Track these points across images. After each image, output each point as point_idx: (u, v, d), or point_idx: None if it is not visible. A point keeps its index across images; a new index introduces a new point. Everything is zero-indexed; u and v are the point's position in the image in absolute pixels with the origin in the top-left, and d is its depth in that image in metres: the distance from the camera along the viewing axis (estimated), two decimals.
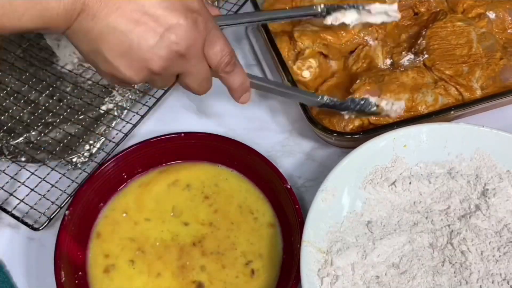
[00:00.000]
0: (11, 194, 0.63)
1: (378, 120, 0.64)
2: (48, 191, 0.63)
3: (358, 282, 0.52)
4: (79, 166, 0.66)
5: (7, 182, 0.64)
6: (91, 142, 0.67)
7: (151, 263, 0.58)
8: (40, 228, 0.60)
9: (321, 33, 0.70)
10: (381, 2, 0.68)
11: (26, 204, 0.62)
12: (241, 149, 0.63)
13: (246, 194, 0.63)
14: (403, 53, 0.69)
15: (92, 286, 0.57)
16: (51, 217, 0.61)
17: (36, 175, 0.64)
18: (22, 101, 0.72)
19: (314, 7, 0.64)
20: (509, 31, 0.71)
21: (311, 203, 0.54)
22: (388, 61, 0.70)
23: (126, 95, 0.72)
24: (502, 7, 0.71)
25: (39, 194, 0.62)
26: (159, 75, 0.46)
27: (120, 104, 0.71)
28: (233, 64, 0.50)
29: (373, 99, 0.62)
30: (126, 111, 0.70)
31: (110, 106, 0.71)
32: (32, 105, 0.71)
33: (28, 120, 0.70)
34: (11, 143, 0.68)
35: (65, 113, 0.70)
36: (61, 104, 0.71)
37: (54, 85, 0.73)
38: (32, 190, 0.63)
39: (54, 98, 0.72)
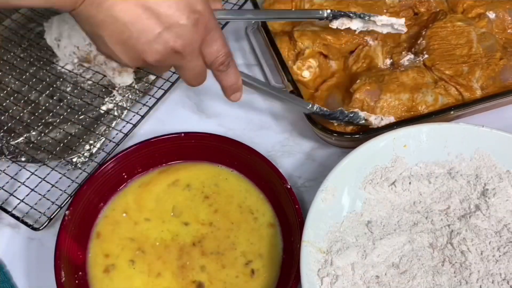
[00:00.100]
0: (11, 194, 0.63)
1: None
2: (48, 191, 0.63)
3: (358, 282, 0.52)
4: (79, 166, 0.66)
5: (7, 182, 0.64)
6: (91, 142, 0.67)
7: (151, 263, 0.58)
8: (40, 228, 0.60)
9: (321, 33, 0.70)
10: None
11: (26, 204, 0.62)
12: (241, 149, 0.63)
13: (246, 194, 0.63)
14: (403, 53, 0.69)
15: (92, 286, 0.57)
16: (51, 217, 0.61)
17: (36, 175, 0.64)
18: (22, 101, 0.72)
19: (320, 11, 0.64)
20: (509, 31, 0.71)
21: (311, 203, 0.54)
22: (388, 61, 0.70)
23: (126, 95, 0.72)
24: (502, 7, 0.71)
25: (39, 194, 0.62)
26: (153, 66, 0.48)
27: (120, 104, 0.71)
28: (227, 65, 0.52)
29: (362, 113, 0.62)
30: (126, 111, 0.70)
31: (110, 106, 0.71)
32: (32, 105, 0.71)
33: (28, 120, 0.70)
34: (11, 143, 0.68)
35: (65, 113, 0.70)
36: (61, 104, 0.71)
37: (54, 85, 0.73)
38: (32, 190, 0.63)
39: (54, 98, 0.72)
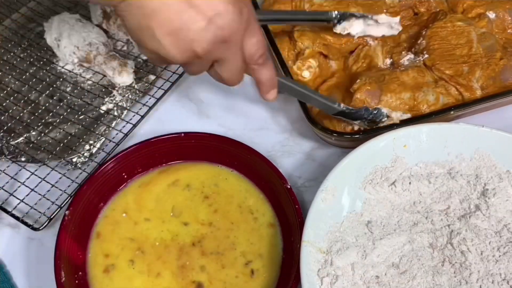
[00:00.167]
0: (11, 194, 0.63)
1: None
2: (48, 191, 0.63)
3: (358, 282, 0.52)
4: (79, 166, 0.66)
5: (7, 182, 0.64)
6: (91, 142, 0.68)
7: (151, 263, 0.58)
8: (40, 228, 0.60)
9: (321, 33, 0.70)
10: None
11: (26, 204, 0.62)
12: (241, 149, 0.63)
13: (246, 194, 0.63)
14: (403, 52, 0.69)
15: (92, 286, 0.57)
16: (51, 217, 0.61)
17: (36, 175, 0.64)
18: (22, 101, 0.72)
19: (329, 13, 0.64)
20: (509, 31, 0.71)
21: (311, 203, 0.54)
22: (388, 61, 0.70)
23: (126, 95, 0.72)
24: (502, 7, 0.71)
25: (39, 194, 0.62)
26: (200, 58, 0.47)
27: (120, 104, 0.71)
28: (266, 57, 0.51)
29: (384, 110, 0.62)
30: (126, 111, 0.70)
31: (110, 106, 0.71)
32: (32, 105, 0.71)
33: (28, 120, 0.70)
34: (11, 143, 0.68)
35: (65, 113, 0.70)
36: (61, 104, 0.72)
37: (54, 85, 0.73)
38: (32, 190, 0.63)
39: (54, 98, 0.72)
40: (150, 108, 0.70)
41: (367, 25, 0.67)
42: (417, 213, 0.57)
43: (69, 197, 0.62)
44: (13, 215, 0.61)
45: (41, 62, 0.76)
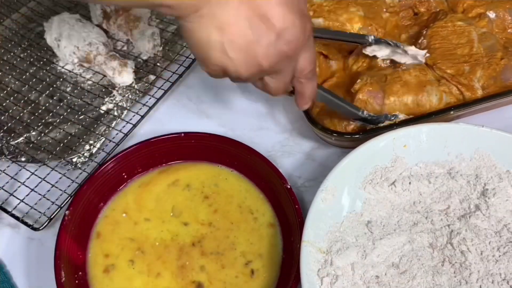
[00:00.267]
0: (11, 194, 0.63)
1: None
2: (48, 191, 0.63)
3: (358, 282, 0.52)
4: (79, 166, 0.66)
5: (7, 182, 0.64)
6: (91, 142, 0.68)
7: (151, 263, 0.58)
8: (40, 228, 0.60)
9: None
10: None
11: (26, 204, 0.62)
12: (241, 149, 0.63)
13: (246, 194, 0.63)
14: None
15: (92, 286, 0.57)
16: (51, 217, 0.61)
17: (36, 175, 0.64)
18: (22, 101, 0.72)
19: (366, 36, 0.65)
20: (509, 30, 0.71)
21: (311, 203, 0.54)
22: (388, 60, 0.70)
23: (126, 95, 0.72)
24: (502, 7, 0.71)
25: (39, 194, 0.63)
26: (265, 72, 0.47)
27: (120, 104, 0.71)
28: (314, 72, 0.52)
29: (401, 115, 0.62)
30: (126, 111, 0.71)
31: (110, 106, 0.71)
32: (32, 105, 0.71)
33: (28, 120, 0.70)
34: (11, 143, 0.68)
35: (65, 113, 0.71)
36: (61, 104, 0.72)
37: (54, 85, 0.73)
38: (32, 190, 0.63)
39: (54, 98, 0.72)
40: (150, 108, 0.70)
41: (395, 52, 0.67)
42: (417, 213, 0.57)
43: (69, 197, 0.62)
44: (13, 215, 0.61)
45: (41, 62, 0.76)
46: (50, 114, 0.70)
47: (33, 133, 0.69)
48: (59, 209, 0.61)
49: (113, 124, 0.69)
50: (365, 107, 0.63)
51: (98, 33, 0.74)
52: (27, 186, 0.63)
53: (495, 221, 0.55)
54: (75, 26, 0.72)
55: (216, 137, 0.64)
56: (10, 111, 0.71)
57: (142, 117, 0.69)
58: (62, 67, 0.75)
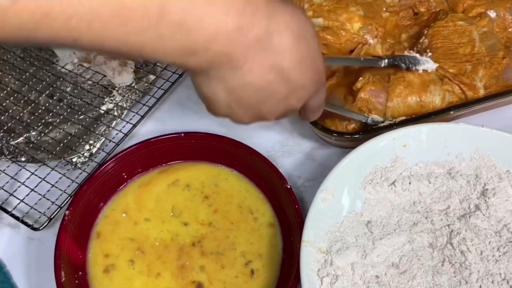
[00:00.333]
0: (11, 194, 0.63)
1: None
2: (48, 191, 0.63)
3: (358, 282, 0.52)
4: (79, 166, 0.66)
5: (7, 182, 0.64)
6: (91, 142, 0.68)
7: (151, 263, 0.58)
8: (40, 228, 0.60)
9: (320, 33, 0.70)
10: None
11: (26, 204, 0.62)
12: (241, 149, 0.63)
13: (246, 194, 0.63)
14: (405, 52, 0.69)
15: (92, 286, 0.57)
16: (51, 217, 0.61)
17: (36, 175, 0.64)
18: (22, 101, 0.72)
19: (379, 61, 0.65)
20: (510, 30, 0.71)
21: (311, 203, 0.54)
22: None
23: (126, 95, 0.72)
24: (502, 6, 0.71)
25: (39, 194, 0.63)
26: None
27: (120, 104, 0.71)
28: (321, 107, 0.52)
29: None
30: (126, 111, 0.71)
31: (110, 106, 0.71)
32: (32, 105, 0.71)
33: (28, 120, 0.70)
34: (11, 143, 0.68)
35: (65, 113, 0.71)
36: (61, 104, 0.72)
37: (54, 85, 0.73)
38: (32, 190, 0.63)
39: (54, 98, 0.72)
40: (150, 108, 0.70)
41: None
42: (417, 213, 0.57)
43: (69, 197, 0.62)
44: (13, 215, 0.61)
45: (41, 62, 0.76)
46: (50, 114, 0.70)
47: (33, 133, 0.69)
48: (59, 209, 0.61)
49: (113, 124, 0.69)
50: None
51: None
52: (27, 186, 0.63)
53: (495, 221, 0.55)
54: None
55: (216, 137, 0.64)
56: (10, 111, 0.71)
57: (142, 117, 0.69)
58: (62, 67, 0.75)
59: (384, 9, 0.73)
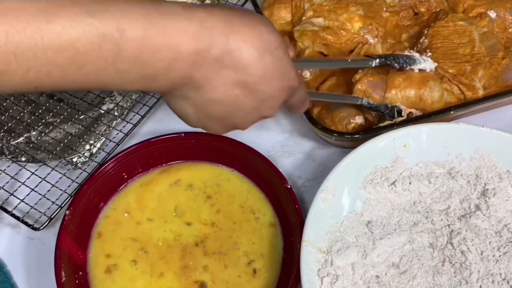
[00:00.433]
0: (11, 194, 0.63)
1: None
2: (49, 191, 0.63)
3: (358, 282, 0.52)
4: (80, 166, 0.66)
5: (8, 182, 0.64)
6: (91, 142, 0.68)
7: (154, 263, 0.58)
8: (41, 228, 0.60)
9: (321, 33, 0.70)
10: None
11: (27, 204, 0.62)
12: (242, 149, 0.63)
13: (247, 194, 0.63)
14: (406, 51, 0.69)
15: (93, 286, 0.57)
16: (52, 217, 0.61)
17: (36, 175, 0.64)
18: (22, 101, 0.72)
19: (369, 62, 0.64)
20: (510, 30, 0.71)
21: (311, 203, 0.54)
22: None
23: (127, 95, 0.72)
24: (502, 6, 0.71)
25: (40, 194, 0.63)
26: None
27: (120, 104, 0.71)
28: (303, 102, 0.53)
29: (402, 106, 0.62)
30: (126, 111, 0.70)
31: (111, 106, 0.71)
32: (32, 105, 0.71)
33: (29, 120, 0.70)
34: (12, 143, 0.68)
35: (65, 113, 0.70)
36: (61, 104, 0.72)
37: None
38: (33, 190, 0.63)
39: (54, 98, 0.72)
40: (151, 108, 0.70)
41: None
42: (417, 213, 0.57)
43: (69, 197, 0.62)
44: (13, 215, 0.61)
45: None
46: (51, 114, 0.70)
47: (33, 133, 0.69)
48: (60, 209, 0.61)
49: (113, 124, 0.69)
50: (363, 96, 0.63)
51: None
52: (27, 186, 0.63)
53: (495, 221, 0.55)
54: None
55: (216, 137, 0.64)
56: (11, 111, 0.71)
57: (143, 117, 0.69)
58: None
59: (384, 9, 0.73)
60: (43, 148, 0.67)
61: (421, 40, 0.68)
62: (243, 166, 0.64)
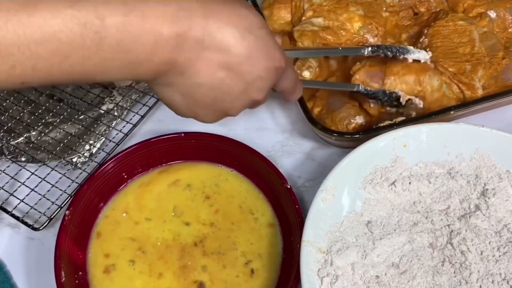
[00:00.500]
0: (11, 194, 0.63)
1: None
2: (48, 191, 0.63)
3: (358, 282, 0.52)
4: (79, 166, 0.66)
5: (7, 182, 0.64)
6: (91, 142, 0.68)
7: (152, 263, 0.58)
8: (40, 228, 0.60)
9: (320, 33, 0.70)
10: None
11: (26, 204, 0.62)
12: (241, 149, 0.63)
13: (246, 194, 0.63)
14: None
15: (92, 286, 0.57)
16: (51, 217, 0.61)
17: (36, 175, 0.64)
18: (22, 101, 0.72)
19: (361, 50, 0.63)
20: (510, 30, 0.71)
21: (311, 203, 0.54)
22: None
23: (127, 95, 0.72)
24: (502, 6, 0.71)
25: (39, 194, 0.63)
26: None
27: (120, 104, 0.71)
28: (294, 87, 0.52)
29: (400, 93, 0.62)
30: (126, 111, 0.70)
31: (110, 106, 0.71)
32: (32, 105, 0.71)
33: (28, 120, 0.70)
34: (11, 143, 0.68)
35: (65, 113, 0.70)
36: (61, 104, 0.72)
37: (54, 85, 0.73)
38: (32, 190, 0.63)
39: (54, 98, 0.72)
40: (150, 108, 0.70)
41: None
42: (417, 213, 0.57)
43: (69, 197, 0.62)
44: (13, 215, 0.61)
45: None
46: (50, 114, 0.70)
47: (33, 133, 0.69)
48: (59, 209, 0.61)
49: (113, 124, 0.69)
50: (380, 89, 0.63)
51: None
52: (27, 186, 0.63)
53: (495, 221, 0.55)
54: None
55: (216, 137, 0.64)
56: (10, 111, 0.71)
57: (142, 117, 0.69)
58: None
59: (384, 9, 0.73)
60: (43, 148, 0.67)
61: (421, 40, 0.69)
62: (243, 166, 0.64)
